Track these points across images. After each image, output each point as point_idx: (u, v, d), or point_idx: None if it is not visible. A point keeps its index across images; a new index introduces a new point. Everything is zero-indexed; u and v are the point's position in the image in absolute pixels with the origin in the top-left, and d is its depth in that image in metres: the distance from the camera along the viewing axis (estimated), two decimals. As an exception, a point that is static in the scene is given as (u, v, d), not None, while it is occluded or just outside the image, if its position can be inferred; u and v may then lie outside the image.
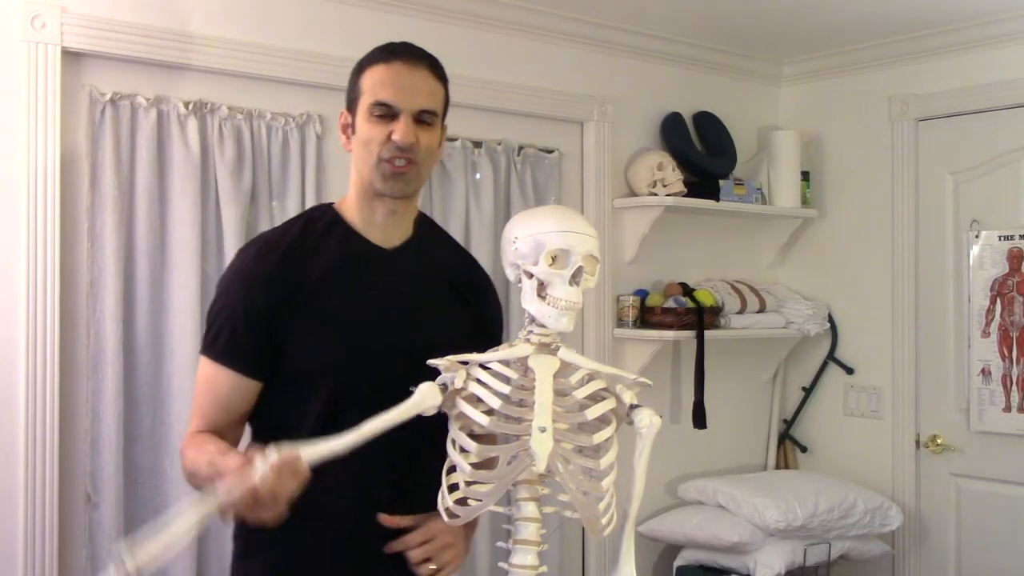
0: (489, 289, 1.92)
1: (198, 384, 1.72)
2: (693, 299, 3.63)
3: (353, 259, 1.71)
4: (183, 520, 1.33)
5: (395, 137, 1.64)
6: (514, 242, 1.52)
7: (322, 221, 1.75)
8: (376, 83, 1.67)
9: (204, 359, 1.70)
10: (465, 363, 1.51)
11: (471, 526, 1.69)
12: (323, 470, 1.49)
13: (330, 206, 1.80)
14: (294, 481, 1.40)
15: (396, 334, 1.68)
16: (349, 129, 1.74)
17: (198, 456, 1.61)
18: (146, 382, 2.71)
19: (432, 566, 1.63)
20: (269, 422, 1.70)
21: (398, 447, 1.64)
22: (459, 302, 1.81)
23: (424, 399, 1.48)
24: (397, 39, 1.78)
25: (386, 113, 1.66)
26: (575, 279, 1.49)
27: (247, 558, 1.74)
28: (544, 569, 1.49)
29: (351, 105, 1.73)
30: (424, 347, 1.57)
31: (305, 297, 1.66)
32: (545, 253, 1.48)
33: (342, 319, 1.66)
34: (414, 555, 1.62)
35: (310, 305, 1.65)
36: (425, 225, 1.86)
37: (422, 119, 1.68)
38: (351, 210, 1.76)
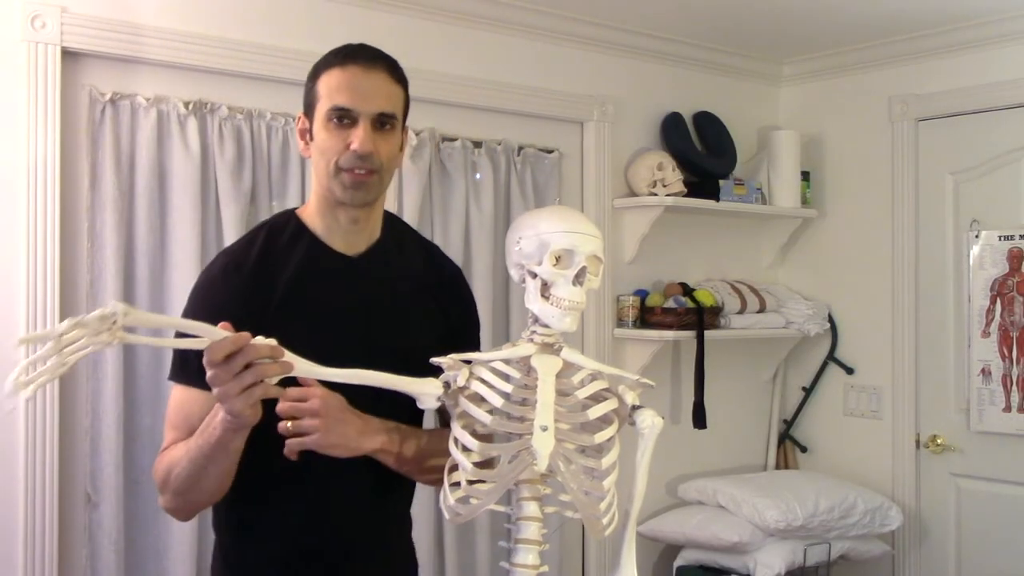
0: (460, 283, 1.89)
1: (169, 412, 1.67)
2: (693, 299, 3.63)
3: (318, 271, 1.68)
4: (184, 321, 1.40)
5: (353, 146, 1.61)
6: (518, 242, 1.52)
7: (286, 232, 1.71)
8: (332, 88, 1.63)
9: (175, 386, 1.66)
10: (468, 362, 1.51)
11: (387, 434, 1.63)
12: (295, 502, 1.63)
13: (293, 212, 1.76)
14: (278, 370, 1.41)
15: (364, 344, 1.65)
16: (307, 135, 1.69)
17: (175, 450, 1.60)
18: (146, 382, 2.70)
19: (289, 424, 1.53)
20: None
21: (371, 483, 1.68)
22: (429, 304, 1.78)
23: (423, 383, 1.49)
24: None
25: (344, 117, 1.62)
26: (579, 279, 1.48)
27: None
28: (545, 568, 1.49)
29: (308, 110, 1.69)
30: (394, 354, 1.55)
31: (272, 314, 1.62)
32: (549, 253, 1.48)
33: (309, 333, 1.61)
34: (280, 407, 1.53)
35: (277, 321, 1.59)
36: (392, 226, 1.81)
37: (381, 124, 1.64)
38: (313, 217, 1.72)
